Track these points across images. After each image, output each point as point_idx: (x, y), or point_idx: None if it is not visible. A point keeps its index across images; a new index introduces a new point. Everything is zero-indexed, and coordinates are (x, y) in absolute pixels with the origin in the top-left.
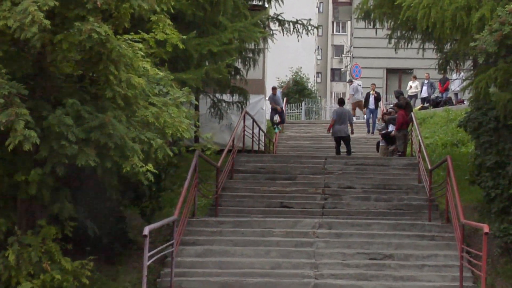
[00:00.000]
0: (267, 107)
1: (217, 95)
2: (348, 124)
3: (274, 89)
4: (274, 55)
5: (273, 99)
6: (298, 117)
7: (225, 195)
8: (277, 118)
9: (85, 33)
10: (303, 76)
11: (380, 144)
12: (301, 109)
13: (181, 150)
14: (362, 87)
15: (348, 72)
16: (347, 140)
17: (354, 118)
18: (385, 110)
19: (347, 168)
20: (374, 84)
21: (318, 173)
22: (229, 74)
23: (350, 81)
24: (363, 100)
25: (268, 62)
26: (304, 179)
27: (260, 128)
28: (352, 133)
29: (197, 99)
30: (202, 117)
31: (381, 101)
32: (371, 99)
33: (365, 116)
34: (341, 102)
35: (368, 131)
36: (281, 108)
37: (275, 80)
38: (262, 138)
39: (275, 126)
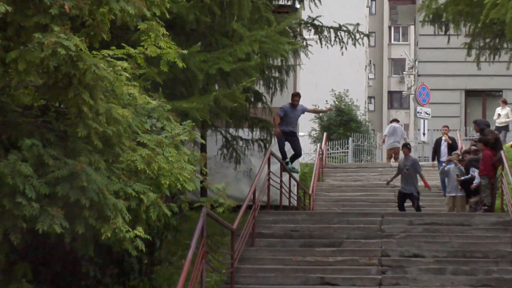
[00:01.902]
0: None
1: (231, 130)
2: (417, 175)
3: (295, 96)
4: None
5: (288, 114)
6: (344, 159)
7: (244, 268)
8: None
9: (48, 48)
10: (350, 102)
11: (458, 195)
12: (347, 148)
13: (182, 207)
14: (429, 119)
15: (412, 96)
16: (413, 197)
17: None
18: (464, 148)
19: (413, 229)
20: (447, 127)
21: (373, 237)
22: (247, 101)
23: (395, 121)
24: (399, 146)
25: (301, 83)
26: (354, 245)
27: (291, 175)
28: (429, 187)
29: (203, 137)
30: (211, 161)
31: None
32: (443, 147)
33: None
34: (407, 147)
35: (444, 194)
36: (292, 131)
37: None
38: (294, 189)
39: (287, 161)
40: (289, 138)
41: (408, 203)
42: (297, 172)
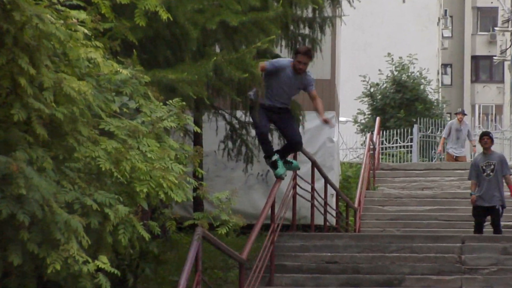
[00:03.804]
0: (343, 136)
1: (239, 114)
2: (503, 179)
3: (303, 54)
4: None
5: (280, 78)
6: (406, 157)
7: None
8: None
9: None
10: (416, 72)
11: None
12: (410, 140)
13: (167, 227)
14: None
15: (508, 64)
16: (496, 212)
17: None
18: None
19: (508, 260)
20: None
21: (449, 272)
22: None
23: (460, 114)
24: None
25: (344, 45)
26: (420, 283)
27: (327, 181)
28: None
29: (197, 123)
30: (210, 159)
31: None
32: None
33: None
34: (489, 136)
35: None
36: (282, 107)
37: (359, 82)
38: (332, 202)
39: (274, 159)
40: (276, 117)
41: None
42: (297, 168)
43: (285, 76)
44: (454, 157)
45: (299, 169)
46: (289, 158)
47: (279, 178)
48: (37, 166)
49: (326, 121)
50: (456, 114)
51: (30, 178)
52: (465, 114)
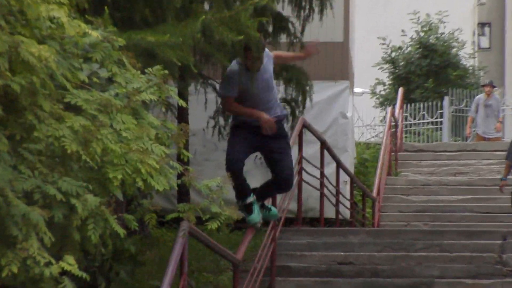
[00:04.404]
0: (358, 111)
1: None
2: None
3: (247, 50)
4: None
5: (243, 86)
6: (435, 136)
7: None
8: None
9: None
10: (446, 34)
11: None
12: (440, 114)
13: (145, 221)
14: None
15: None
16: None
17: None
18: None
19: None
20: None
21: (486, 274)
22: (261, 31)
23: (489, 86)
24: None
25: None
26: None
27: (339, 165)
28: None
29: (182, 95)
30: (198, 138)
31: None
32: None
33: None
34: None
35: None
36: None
37: (377, 45)
38: (346, 190)
39: (249, 201)
40: (259, 139)
41: None
42: (275, 218)
43: (245, 81)
44: (486, 139)
45: (277, 218)
46: (267, 203)
47: (253, 226)
48: None
49: (308, 52)
50: (483, 86)
51: None
52: (495, 87)
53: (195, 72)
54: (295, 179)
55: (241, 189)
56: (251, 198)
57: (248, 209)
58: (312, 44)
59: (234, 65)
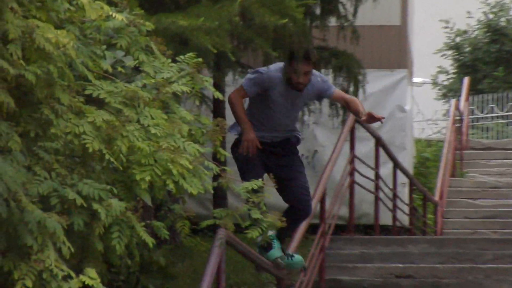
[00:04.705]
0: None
1: None
2: None
3: (305, 60)
4: None
5: (271, 98)
6: (505, 131)
7: None
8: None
9: None
10: None
11: None
12: (510, 107)
13: (177, 228)
14: None
15: None
16: None
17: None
18: None
19: None
20: None
21: None
22: (308, 15)
23: None
24: None
25: None
26: None
27: (396, 165)
28: None
29: (218, 87)
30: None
31: None
32: None
33: None
34: None
35: None
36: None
37: (439, 29)
38: (404, 194)
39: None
40: (272, 160)
41: None
42: (299, 266)
43: (278, 95)
44: None
45: (303, 268)
46: (290, 251)
47: (273, 262)
48: (0, 146)
49: (372, 118)
50: None
51: None
52: None
53: (233, 60)
54: (346, 180)
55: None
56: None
57: (267, 244)
58: (379, 117)
59: (276, 71)
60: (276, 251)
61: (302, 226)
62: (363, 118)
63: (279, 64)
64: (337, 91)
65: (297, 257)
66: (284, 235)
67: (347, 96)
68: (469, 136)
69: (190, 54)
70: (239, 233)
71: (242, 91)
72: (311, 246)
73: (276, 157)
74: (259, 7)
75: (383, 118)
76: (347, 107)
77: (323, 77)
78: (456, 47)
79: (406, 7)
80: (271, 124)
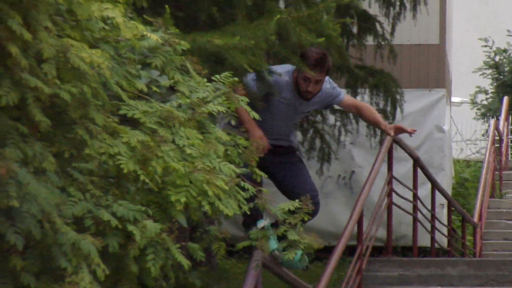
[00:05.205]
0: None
1: None
2: None
3: (315, 65)
4: None
5: (274, 104)
6: None
7: None
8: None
9: None
10: None
11: None
12: None
13: (212, 250)
14: None
15: None
16: None
17: None
18: None
19: None
20: None
21: None
22: (345, 33)
23: None
24: None
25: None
26: None
27: (435, 186)
28: None
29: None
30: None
31: None
32: None
33: None
34: None
35: None
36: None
37: (478, 48)
38: (443, 215)
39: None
40: (273, 164)
41: None
42: (303, 266)
43: (282, 101)
44: None
45: (305, 267)
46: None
47: (271, 255)
48: (34, 167)
49: (399, 129)
50: None
51: (25, 184)
52: None
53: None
54: (384, 201)
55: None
56: (264, 222)
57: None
58: (411, 130)
59: (286, 73)
60: (272, 243)
61: (339, 249)
62: (392, 133)
63: (288, 67)
64: (348, 97)
65: (298, 259)
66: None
67: (359, 102)
68: (509, 157)
69: (226, 73)
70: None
71: (244, 88)
72: (348, 268)
73: (278, 160)
74: (296, 25)
75: (415, 130)
76: (360, 115)
77: (332, 82)
78: (495, 66)
79: (445, 25)
80: (270, 131)
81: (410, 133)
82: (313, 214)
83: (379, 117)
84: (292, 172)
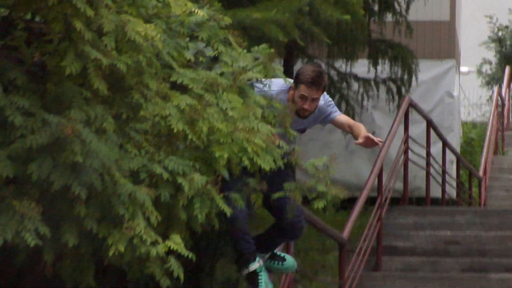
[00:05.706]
0: (464, 90)
1: (338, 63)
2: None
3: (310, 85)
4: None
5: None
6: None
7: None
8: None
9: None
10: None
11: None
12: None
13: (252, 201)
14: None
15: None
16: None
17: None
18: None
19: None
20: None
21: None
22: (367, 10)
23: None
24: None
25: None
26: None
27: (445, 145)
28: None
29: (288, 74)
30: None
31: None
32: None
33: None
34: None
35: None
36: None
37: (484, 24)
38: (452, 170)
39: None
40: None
41: None
42: (292, 269)
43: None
44: None
45: (295, 270)
46: (279, 251)
47: (275, 269)
48: (95, 127)
49: (369, 141)
50: None
51: (88, 142)
52: None
53: (302, 45)
54: (401, 158)
55: (244, 246)
56: (256, 265)
57: (252, 279)
58: (378, 141)
59: (278, 93)
60: (253, 264)
61: (362, 199)
62: (360, 141)
63: (283, 84)
64: (341, 116)
65: (289, 260)
66: (267, 249)
67: (352, 121)
68: (510, 119)
69: (263, 45)
70: (306, 204)
71: None
72: (369, 216)
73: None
74: (322, 2)
75: (382, 142)
76: (351, 133)
77: (327, 98)
78: (498, 40)
79: (455, 4)
80: None
81: (377, 145)
82: (296, 237)
83: (363, 133)
84: (279, 188)
